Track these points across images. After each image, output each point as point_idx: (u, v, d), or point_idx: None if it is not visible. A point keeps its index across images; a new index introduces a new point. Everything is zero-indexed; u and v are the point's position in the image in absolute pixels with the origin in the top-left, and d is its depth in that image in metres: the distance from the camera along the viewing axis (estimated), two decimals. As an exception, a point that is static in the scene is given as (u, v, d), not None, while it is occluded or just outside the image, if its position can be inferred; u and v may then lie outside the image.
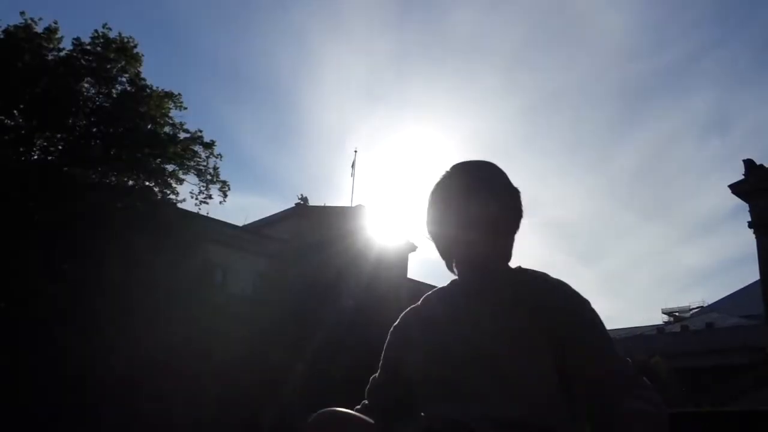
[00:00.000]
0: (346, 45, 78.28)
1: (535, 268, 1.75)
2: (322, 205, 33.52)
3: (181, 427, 18.65)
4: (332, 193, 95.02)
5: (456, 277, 1.79)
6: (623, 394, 1.49)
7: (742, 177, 29.12)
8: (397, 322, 1.91)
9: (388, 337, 1.90)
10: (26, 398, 17.75)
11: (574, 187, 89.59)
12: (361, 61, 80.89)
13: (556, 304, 1.63)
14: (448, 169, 1.80)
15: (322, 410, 1.59)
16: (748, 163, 29.07)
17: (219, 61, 72.55)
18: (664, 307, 50.17)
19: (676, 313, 48.66)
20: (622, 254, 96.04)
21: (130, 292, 18.45)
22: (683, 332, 39.13)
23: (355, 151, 49.98)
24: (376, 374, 1.90)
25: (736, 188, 29.33)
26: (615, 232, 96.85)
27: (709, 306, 46.66)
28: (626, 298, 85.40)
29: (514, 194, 1.76)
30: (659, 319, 48.38)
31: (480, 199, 1.68)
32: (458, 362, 1.63)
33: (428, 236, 1.81)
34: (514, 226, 1.76)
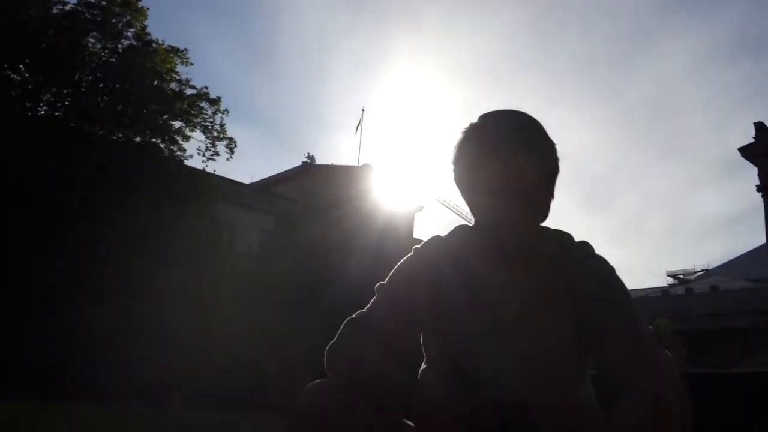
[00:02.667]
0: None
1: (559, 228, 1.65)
2: (330, 164, 33.49)
3: (189, 383, 18.91)
4: (339, 152, 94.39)
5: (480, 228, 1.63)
6: (639, 375, 1.40)
7: (753, 140, 28.88)
8: (422, 251, 1.65)
9: (411, 266, 1.63)
10: (30, 369, 18.01)
11: (582, 119, 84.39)
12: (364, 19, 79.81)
13: (590, 280, 1.55)
14: (475, 120, 1.62)
15: (312, 386, 1.42)
16: (759, 126, 28.80)
17: (227, 17, 71.75)
18: (669, 270, 50.21)
19: (681, 276, 48.72)
20: (633, 200, 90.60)
21: (137, 249, 18.55)
22: (688, 295, 39.23)
23: (363, 110, 49.75)
24: (377, 308, 1.56)
25: (745, 151, 29.12)
26: (625, 173, 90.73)
27: (714, 269, 46.69)
28: (634, 250, 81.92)
29: (550, 150, 1.59)
30: (664, 281, 48.46)
31: (513, 159, 1.51)
32: (497, 334, 1.53)
33: (460, 194, 1.64)
34: (552, 186, 1.59)
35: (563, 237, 1.65)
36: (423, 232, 38.53)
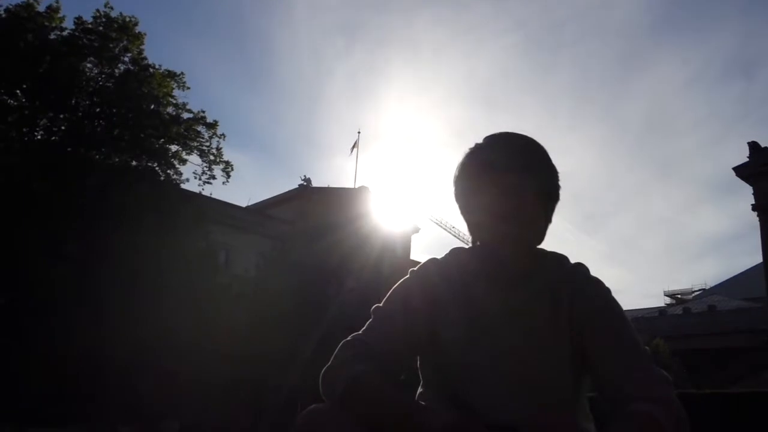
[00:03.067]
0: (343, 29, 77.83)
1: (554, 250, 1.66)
2: (326, 186, 33.56)
3: (186, 407, 18.80)
4: (335, 175, 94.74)
5: (477, 248, 1.63)
6: (636, 396, 1.40)
7: (747, 159, 29.01)
8: (419, 274, 1.64)
9: (408, 289, 1.61)
10: (32, 379, 17.91)
11: (578, 140, 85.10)
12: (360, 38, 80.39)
13: (586, 302, 1.55)
14: (480, 141, 1.62)
15: (312, 410, 1.42)
16: (753, 146, 28.94)
17: (224, 42, 72.23)
18: (666, 290, 50.23)
19: (679, 295, 48.74)
20: (629, 220, 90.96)
21: (133, 272, 18.51)
22: (685, 314, 39.19)
23: (359, 133, 50.11)
24: (374, 332, 1.55)
25: (740, 171, 29.23)
26: (621, 194, 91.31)
27: (712, 288, 46.72)
28: (631, 270, 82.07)
29: (552, 176, 1.59)
30: (662, 301, 48.46)
31: (514, 183, 1.50)
32: (496, 358, 1.54)
33: (460, 213, 1.64)
34: (551, 212, 1.59)
35: (560, 259, 1.65)
36: (420, 254, 38.57)
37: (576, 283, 1.59)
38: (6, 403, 16.62)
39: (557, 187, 1.59)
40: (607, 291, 1.61)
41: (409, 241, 32.80)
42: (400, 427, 1.35)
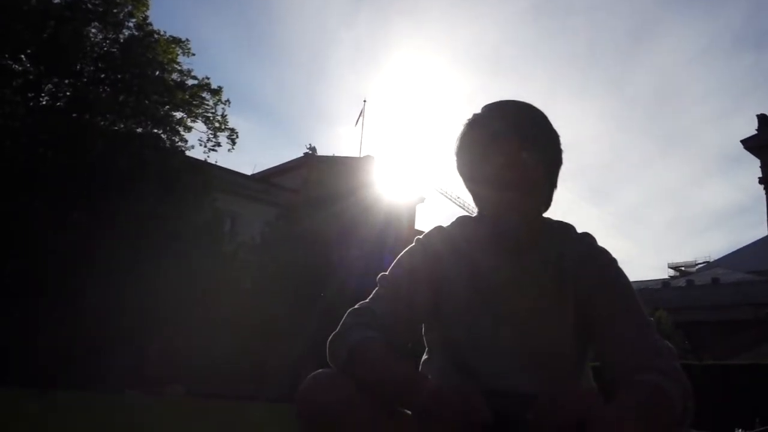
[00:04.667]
0: (356, -8, 76.87)
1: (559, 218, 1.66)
2: (331, 155, 33.48)
3: (191, 372, 18.99)
4: (341, 143, 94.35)
5: (481, 216, 1.63)
6: (642, 367, 1.40)
7: (755, 132, 28.83)
8: (424, 242, 1.65)
9: (413, 257, 1.62)
10: (39, 345, 18.09)
11: (585, 111, 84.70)
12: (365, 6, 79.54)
13: (592, 272, 1.55)
14: (479, 110, 1.60)
15: (318, 374, 1.43)
16: (762, 118, 28.73)
17: (229, 8, 71.54)
18: (670, 262, 50.23)
19: (682, 268, 48.75)
20: (635, 192, 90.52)
21: (139, 240, 18.58)
22: (688, 287, 39.27)
23: (364, 102, 49.83)
24: (380, 300, 1.56)
25: (748, 143, 29.05)
26: (627, 165, 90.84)
27: (716, 261, 46.69)
28: (635, 242, 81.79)
29: (554, 141, 1.58)
30: (665, 273, 48.50)
31: (516, 151, 1.49)
32: (500, 326, 1.54)
33: (464, 184, 1.64)
34: (555, 177, 1.58)
35: (566, 228, 1.65)
36: (424, 224, 38.62)
37: (582, 253, 1.59)
38: (14, 368, 16.85)
39: (560, 151, 1.59)
40: (614, 261, 1.61)
41: (414, 211, 32.83)
42: (399, 394, 1.36)
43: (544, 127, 1.58)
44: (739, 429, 12.27)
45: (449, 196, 43.15)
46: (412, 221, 31.19)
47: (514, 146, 1.50)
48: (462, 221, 1.70)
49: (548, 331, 1.55)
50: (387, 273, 1.62)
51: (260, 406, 11.32)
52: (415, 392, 1.32)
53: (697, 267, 47.96)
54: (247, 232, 25.64)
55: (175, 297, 19.06)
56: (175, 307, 19.10)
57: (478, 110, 1.61)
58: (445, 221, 1.71)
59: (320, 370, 1.44)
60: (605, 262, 1.60)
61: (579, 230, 1.66)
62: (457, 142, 1.61)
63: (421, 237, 1.67)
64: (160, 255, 18.88)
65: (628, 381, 1.38)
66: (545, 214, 1.62)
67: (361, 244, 22.54)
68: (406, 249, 1.66)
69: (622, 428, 1.22)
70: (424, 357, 1.71)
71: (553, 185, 1.58)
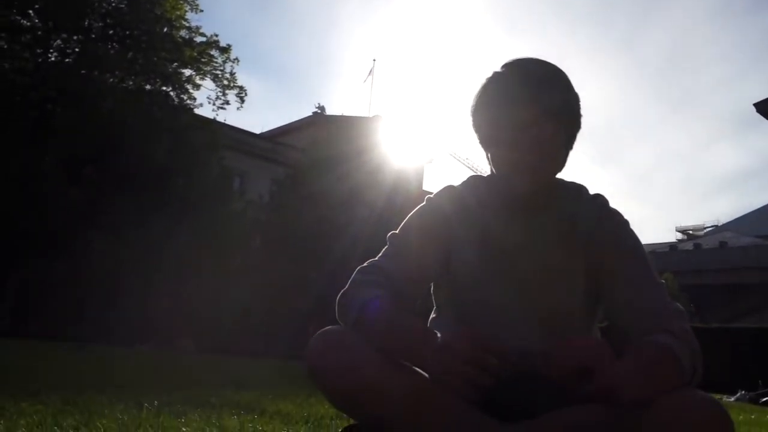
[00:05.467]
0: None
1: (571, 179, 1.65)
2: (340, 114, 33.28)
3: (200, 328, 19.23)
4: (350, 103, 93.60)
5: (492, 176, 1.62)
6: (652, 328, 1.41)
7: (769, 95, 28.40)
8: (435, 202, 1.64)
9: (423, 217, 1.62)
10: (50, 299, 18.35)
11: (596, 70, 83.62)
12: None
13: (605, 234, 1.55)
14: (498, 69, 1.56)
15: (327, 330, 1.43)
16: (777, 81, 28.28)
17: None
18: (678, 225, 50.13)
19: (690, 231, 48.66)
20: (644, 154, 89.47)
21: (149, 196, 18.66)
22: (696, 250, 39.25)
23: (374, 60, 49.39)
24: (389, 259, 1.56)
25: (760, 106, 28.68)
26: (637, 127, 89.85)
27: (724, 225, 46.59)
28: (644, 204, 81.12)
29: (573, 103, 1.54)
30: (673, 236, 48.45)
31: (534, 111, 1.47)
32: (510, 286, 1.55)
33: (478, 142, 1.61)
34: (572, 140, 1.55)
35: (578, 189, 1.64)
36: (433, 185, 38.54)
37: (594, 214, 1.58)
38: (27, 322, 17.11)
39: (579, 116, 1.55)
40: (626, 223, 1.61)
41: (423, 172, 32.71)
42: (408, 350, 1.37)
43: (565, 91, 1.54)
44: (742, 390, 12.43)
45: (458, 158, 43.02)
46: (420, 182, 31.10)
47: (534, 111, 1.47)
48: (473, 181, 1.69)
49: (558, 292, 1.56)
50: (397, 231, 1.62)
51: (271, 362, 11.50)
52: (426, 347, 1.33)
53: (705, 231, 47.88)
54: (254, 190, 25.70)
55: (185, 253, 19.22)
56: (185, 264, 19.27)
57: (498, 68, 1.57)
58: (455, 182, 1.70)
59: (328, 327, 1.45)
60: (617, 223, 1.59)
61: (590, 192, 1.66)
62: (475, 101, 1.58)
63: (431, 196, 1.67)
64: (170, 211, 18.98)
65: (637, 342, 1.39)
66: (559, 176, 1.60)
67: (370, 203, 22.55)
68: (417, 208, 1.66)
69: (629, 383, 1.24)
70: (432, 315, 1.73)
71: (569, 147, 1.56)
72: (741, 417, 4.40)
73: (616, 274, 1.52)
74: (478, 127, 1.58)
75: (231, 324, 20.25)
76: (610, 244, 1.55)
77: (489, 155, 1.59)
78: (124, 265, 18.82)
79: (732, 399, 11.32)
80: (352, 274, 1.54)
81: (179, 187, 19.55)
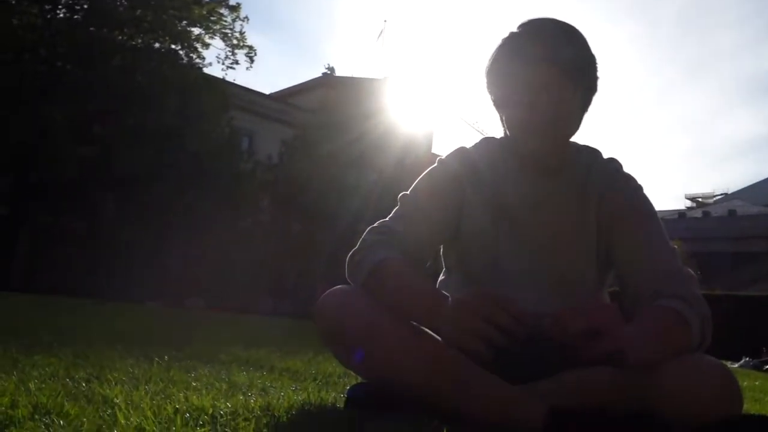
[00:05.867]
0: None
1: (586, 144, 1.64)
2: (350, 75, 33.03)
3: (210, 286, 19.42)
4: (360, 65, 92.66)
5: (507, 138, 1.59)
6: (663, 292, 1.40)
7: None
8: (446, 163, 1.63)
9: (434, 178, 1.61)
10: (60, 255, 18.52)
11: (609, 33, 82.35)
12: None
13: (618, 198, 1.55)
14: (515, 29, 1.51)
15: (335, 290, 1.44)
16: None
17: None
18: (687, 192, 49.91)
19: (700, 199, 48.47)
20: (657, 119, 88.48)
21: (158, 154, 18.68)
22: (705, 218, 39.15)
23: (385, 21, 48.77)
24: (400, 220, 1.55)
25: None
26: (651, 92, 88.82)
27: (734, 193, 46.35)
28: (654, 170, 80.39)
29: (590, 65, 1.51)
30: (682, 203, 48.28)
31: (549, 72, 1.44)
32: (521, 249, 1.56)
33: (492, 103, 1.58)
34: (587, 103, 1.53)
35: (592, 153, 1.63)
36: (442, 148, 38.40)
37: (607, 178, 1.58)
38: (38, 278, 17.30)
39: (595, 78, 1.52)
40: (639, 188, 1.60)
41: (432, 134, 32.54)
42: (418, 310, 1.36)
43: (583, 54, 1.51)
44: (746, 357, 12.52)
45: (467, 121, 42.76)
46: (429, 145, 30.98)
47: (549, 72, 1.44)
48: (486, 142, 1.67)
49: (569, 256, 1.56)
50: (408, 192, 1.61)
51: (280, 321, 11.62)
52: (436, 307, 1.32)
53: (714, 198, 47.67)
54: (263, 151, 25.67)
55: (195, 212, 19.32)
56: (195, 222, 19.38)
57: (514, 29, 1.53)
58: (467, 144, 1.69)
59: (337, 287, 1.45)
60: (631, 188, 1.59)
61: (604, 156, 1.64)
62: (490, 62, 1.54)
63: (443, 157, 1.66)
64: (180, 170, 19.03)
65: (648, 306, 1.39)
66: (573, 139, 1.58)
67: (380, 165, 22.53)
68: (428, 169, 1.64)
69: (638, 346, 1.24)
70: (441, 277, 1.73)
71: (584, 109, 1.54)
72: (746, 383, 4.44)
73: (629, 237, 1.52)
74: (492, 87, 1.55)
75: (241, 282, 20.45)
76: (623, 209, 1.54)
77: (502, 117, 1.56)
78: (134, 222, 18.92)
79: (736, 365, 11.39)
80: (362, 235, 1.53)
81: (189, 146, 19.55)
